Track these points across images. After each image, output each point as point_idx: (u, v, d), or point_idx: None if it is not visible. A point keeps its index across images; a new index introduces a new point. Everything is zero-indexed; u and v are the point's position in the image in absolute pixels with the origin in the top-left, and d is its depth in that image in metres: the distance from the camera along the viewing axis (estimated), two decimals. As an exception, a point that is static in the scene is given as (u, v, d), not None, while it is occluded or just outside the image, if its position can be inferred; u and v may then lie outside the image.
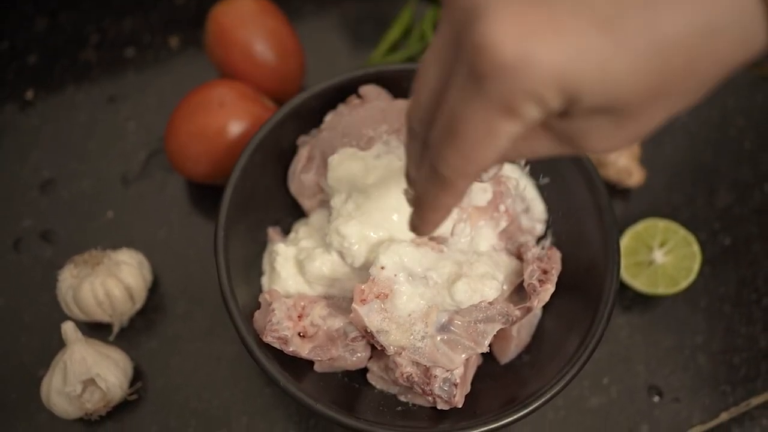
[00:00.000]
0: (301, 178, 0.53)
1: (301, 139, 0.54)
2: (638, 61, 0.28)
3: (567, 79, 0.28)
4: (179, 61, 0.70)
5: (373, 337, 0.46)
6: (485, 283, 0.47)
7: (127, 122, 0.67)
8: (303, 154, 0.53)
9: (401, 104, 0.53)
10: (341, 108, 0.53)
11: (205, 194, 0.63)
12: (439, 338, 0.46)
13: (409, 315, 0.46)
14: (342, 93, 0.54)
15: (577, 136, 0.32)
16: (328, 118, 0.53)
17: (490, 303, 0.47)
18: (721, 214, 0.64)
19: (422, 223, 0.39)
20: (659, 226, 0.59)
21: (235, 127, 0.57)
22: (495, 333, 0.47)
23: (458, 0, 0.30)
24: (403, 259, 0.47)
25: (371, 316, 0.46)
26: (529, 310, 0.48)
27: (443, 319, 0.47)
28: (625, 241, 0.59)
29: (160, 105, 0.67)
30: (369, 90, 0.54)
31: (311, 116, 0.54)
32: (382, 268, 0.46)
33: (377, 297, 0.46)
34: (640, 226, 0.60)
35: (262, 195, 0.54)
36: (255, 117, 0.57)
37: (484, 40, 0.28)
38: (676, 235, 0.59)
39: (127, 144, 0.66)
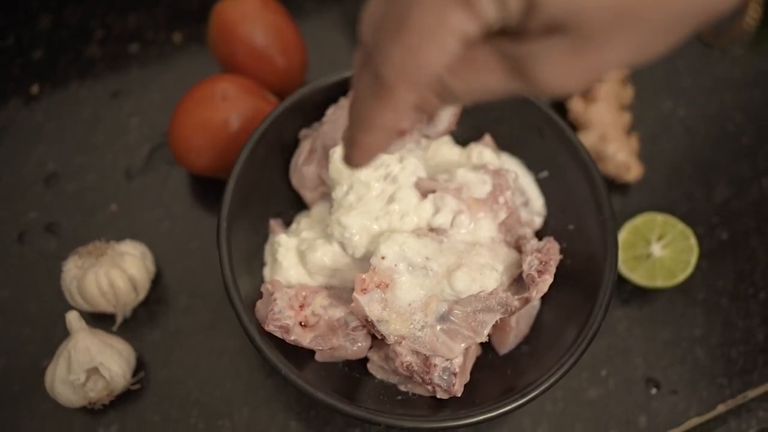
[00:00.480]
0: (302, 171, 0.54)
1: (303, 132, 0.54)
2: None
3: None
4: (183, 56, 0.70)
5: (373, 326, 0.47)
6: (485, 274, 0.47)
7: (130, 117, 0.67)
8: (305, 146, 0.54)
9: None
10: (342, 101, 0.54)
11: (207, 187, 0.64)
12: (438, 328, 0.47)
13: (409, 304, 0.47)
14: (343, 88, 0.55)
15: (531, 63, 0.29)
16: (330, 111, 0.54)
17: (490, 293, 0.48)
18: (719, 208, 0.64)
19: (354, 146, 0.33)
20: (657, 220, 0.60)
21: (238, 121, 0.57)
22: (494, 323, 0.47)
23: None
24: (403, 249, 0.47)
25: (372, 306, 0.46)
26: (527, 300, 0.48)
27: (443, 309, 0.47)
28: (624, 235, 0.60)
29: (164, 100, 0.68)
30: None
31: (313, 110, 0.55)
32: (383, 258, 0.47)
33: (378, 286, 0.46)
34: (639, 220, 0.60)
35: (265, 187, 0.54)
36: (257, 110, 0.58)
37: None
38: (673, 228, 0.60)
39: (130, 138, 0.66)
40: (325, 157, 0.52)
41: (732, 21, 0.33)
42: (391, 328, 0.46)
